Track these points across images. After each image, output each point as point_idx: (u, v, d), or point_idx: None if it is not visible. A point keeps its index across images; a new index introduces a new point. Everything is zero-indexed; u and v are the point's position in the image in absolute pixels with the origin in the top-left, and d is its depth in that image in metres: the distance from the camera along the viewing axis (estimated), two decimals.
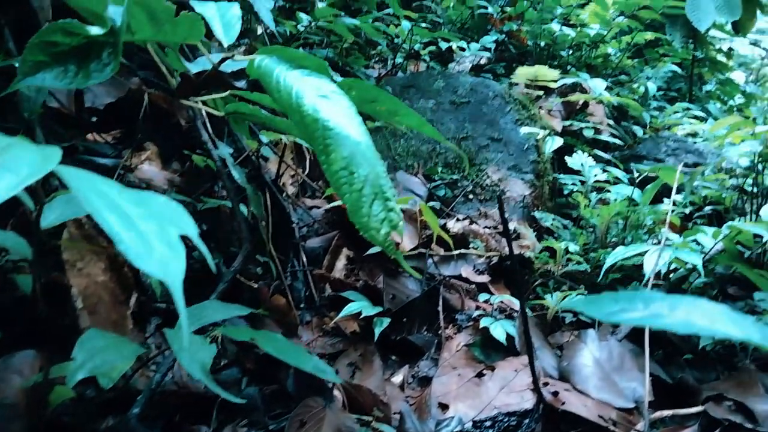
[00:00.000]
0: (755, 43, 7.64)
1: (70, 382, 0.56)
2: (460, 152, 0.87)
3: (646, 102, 3.90)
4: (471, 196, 2.00)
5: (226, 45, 0.81)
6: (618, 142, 2.58)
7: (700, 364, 1.50)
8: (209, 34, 0.87)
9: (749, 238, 1.52)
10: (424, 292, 1.47)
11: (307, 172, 1.75)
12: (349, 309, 1.29)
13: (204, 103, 0.99)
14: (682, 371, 1.47)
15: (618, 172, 2.09)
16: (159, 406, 0.99)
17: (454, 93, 2.27)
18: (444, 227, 1.81)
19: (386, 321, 1.30)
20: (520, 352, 1.29)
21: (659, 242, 1.83)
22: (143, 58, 1.35)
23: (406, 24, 2.61)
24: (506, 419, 1.09)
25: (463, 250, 1.60)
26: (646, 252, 1.38)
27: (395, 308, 1.41)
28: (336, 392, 1.07)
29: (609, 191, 2.03)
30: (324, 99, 0.66)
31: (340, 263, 1.54)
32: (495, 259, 1.65)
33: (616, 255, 1.38)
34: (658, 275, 1.62)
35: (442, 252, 1.67)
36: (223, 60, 0.83)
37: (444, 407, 1.13)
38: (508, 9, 3.22)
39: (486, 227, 1.84)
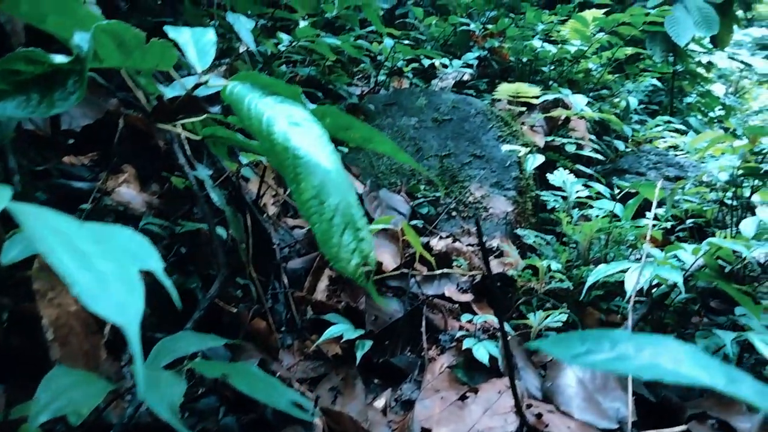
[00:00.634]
0: (733, 57, 7.80)
1: (32, 425, 0.54)
2: (435, 179, 0.86)
3: (628, 116, 3.95)
4: (454, 214, 1.99)
5: (199, 71, 0.80)
6: (599, 157, 2.60)
7: None
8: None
9: (729, 253, 1.53)
10: (406, 312, 1.46)
11: (288, 191, 1.74)
12: (330, 332, 1.27)
13: (183, 126, 0.98)
14: (665, 389, 1.47)
15: (600, 187, 2.10)
16: None
17: (437, 110, 2.27)
18: (427, 245, 1.80)
19: (368, 344, 1.28)
20: (504, 373, 1.28)
21: (641, 258, 1.84)
22: (122, 78, 1.35)
23: (388, 41, 2.62)
24: None
25: (446, 270, 1.59)
26: (627, 269, 1.38)
27: (378, 330, 1.39)
28: (317, 420, 1.05)
29: (591, 207, 2.04)
30: (295, 126, 0.65)
31: (322, 284, 1.53)
32: (478, 277, 1.65)
33: (598, 273, 1.38)
34: (640, 292, 1.62)
35: (425, 271, 1.66)
36: (196, 86, 0.82)
37: None
38: (490, 26, 3.25)
39: (469, 245, 1.84)
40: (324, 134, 0.66)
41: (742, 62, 8.47)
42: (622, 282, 1.44)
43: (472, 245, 1.86)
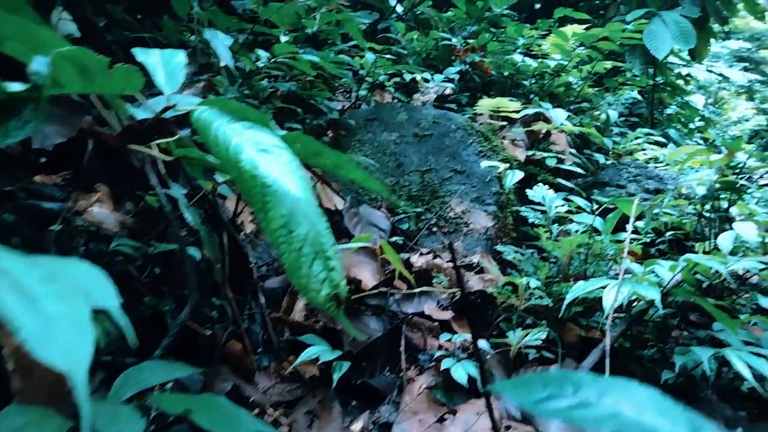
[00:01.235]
0: (710, 70, 7.95)
1: None
2: (397, 200, 0.85)
3: (608, 128, 4.00)
4: (435, 229, 1.99)
5: (167, 94, 0.79)
6: (579, 170, 2.62)
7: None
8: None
9: (707, 268, 1.55)
10: (386, 331, 1.44)
11: None
12: (306, 354, 1.25)
13: (158, 145, 0.96)
14: None
15: (580, 201, 2.11)
16: None
17: (417, 126, 2.27)
18: (407, 262, 1.79)
19: (345, 365, 1.26)
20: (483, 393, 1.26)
21: (620, 273, 1.85)
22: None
23: (370, 56, 2.62)
24: None
25: (426, 288, 1.58)
26: (606, 286, 1.39)
27: (356, 350, 1.37)
28: None
29: (572, 221, 2.05)
30: (264, 153, 0.64)
31: (300, 303, 1.51)
32: (459, 295, 1.64)
33: (576, 290, 1.38)
34: (620, 308, 1.62)
35: (405, 288, 1.65)
36: (165, 109, 0.81)
37: None
38: (471, 41, 3.27)
39: (450, 261, 1.83)
40: (293, 161, 0.65)
41: (719, 74, 8.64)
42: (602, 298, 1.45)
43: (452, 261, 1.85)
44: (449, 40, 3.28)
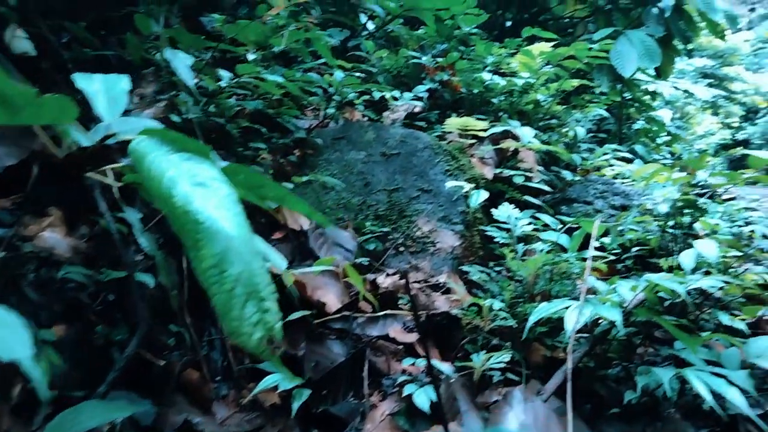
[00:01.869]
0: (676, 87, 8.17)
1: None
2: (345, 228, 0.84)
3: (576, 144, 4.06)
4: (402, 249, 1.98)
5: (107, 122, 0.76)
6: (546, 188, 2.65)
7: (627, 416, 1.50)
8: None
9: (668, 288, 1.56)
10: (349, 356, 1.42)
11: None
12: (265, 383, 1.22)
13: (113, 169, 0.93)
14: (609, 426, 1.47)
15: (547, 218, 2.12)
16: None
17: (385, 145, 2.27)
18: (374, 283, 1.77)
19: (306, 393, 1.23)
20: (447, 418, 1.25)
21: (584, 293, 1.86)
22: None
23: (339, 74, 2.62)
24: None
25: (390, 311, 1.56)
26: (568, 307, 1.39)
27: (318, 376, 1.34)
28: None
29: (538, 239, 2.06)
30: (200, 187, 0.62)
31: None
32: (424, 317, 1.62)
33: (539, 312, 1.37)
34: (585, 327, 1.63)
35: (370, 310, 1.63)
36: (106, 138, 0.78)
37: None
38: (440, 59, 3.30)
39: (416, 282, 1.82)
40: (231, 195, 0.63)
41: (685, 90, 8.89)
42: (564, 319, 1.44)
43: (419, 282, 1.84)
44: (419, 58, 3.30)
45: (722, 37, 5.41)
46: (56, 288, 1.29)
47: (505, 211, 1.83)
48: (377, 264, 1.89)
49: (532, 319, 1.36)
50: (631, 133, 6.38)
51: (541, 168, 2.91)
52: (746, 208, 4.31)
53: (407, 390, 1.25)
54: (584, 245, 1.99)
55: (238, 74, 1.81)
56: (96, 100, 0.77)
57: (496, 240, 1.97)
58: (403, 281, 1.79)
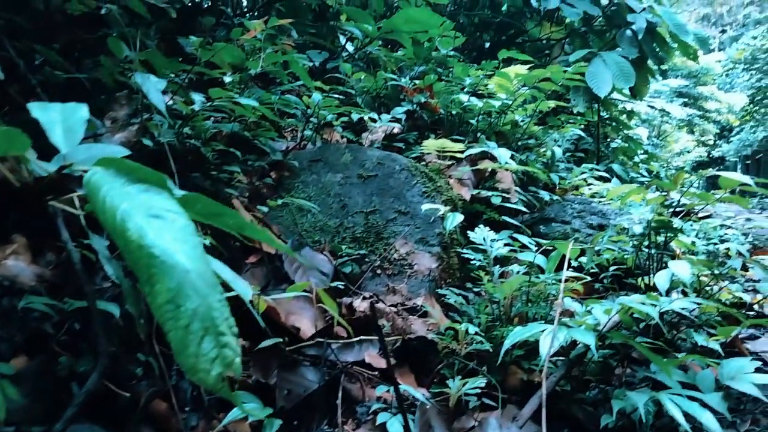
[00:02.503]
0: (652, 106, 8.36)
1: None
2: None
3: (554, 164, 4.11)
4: (379, 271, 1.96)
5: (64, 152, 0.74)
6: (523, 209, 2.66)
7: None
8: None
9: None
10: (323, 383, 1.39)
11: None
12: (235, 413, 1.19)
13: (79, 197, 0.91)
14: None
15: (524, 239, 2.13)
16: None
17: (362, 167, 2.27)
18: (350, 306, 1.75)
19: (276, 423, 1.20)
20: None
21: (561, 315, 1.86)
22: None
23: (316, 96, 2.62)
24: None
25: (365, 336, 1.54)
26: (543, 331, 1.38)
27: (290, 405, 1.32)
28: None
29: (515, 260, 2.06)
30: (155, 219, 0.60)
31: None
32: (400, 342, 1.61)
33: (514, 336, 1.37)
34: (562, 348, 1.62)
35: (345, 335, 1.60)
36: (62, 168, 0.76)
37: None
38: (418, 81, 3.33)
39: (393, 305, 1.81)
40: (188, 227, 0.61)
41: (660, 110, 9.10)
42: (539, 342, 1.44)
43: (396, 305, 1.82)
44: (397, 80, 3.32)
45: (694, 59, 5.56)
46: (18, 318, 1.25)
47: (481, 234, 1.83)
48: (353, 287, 1.88)
49: (507, 344, 1.35)
50: (608, 152, 6.49)
51: (518, 188, 2.93)
52: (722, 226, 4.38)
53: (381, 418, 1.23)
54: (561, 266, 1.99)
55: (212, 97, 1.80)
56: (52, 129, 0.76)
57: (473, 261, 1.96)
58: (380, 305, 1.77)
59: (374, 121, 2.96)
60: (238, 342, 0.59)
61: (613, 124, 6.86)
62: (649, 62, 5.44)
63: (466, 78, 3.51)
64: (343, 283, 1.81)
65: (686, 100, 17.45)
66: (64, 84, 2.10)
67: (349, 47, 4.03)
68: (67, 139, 0.75)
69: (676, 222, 2.30)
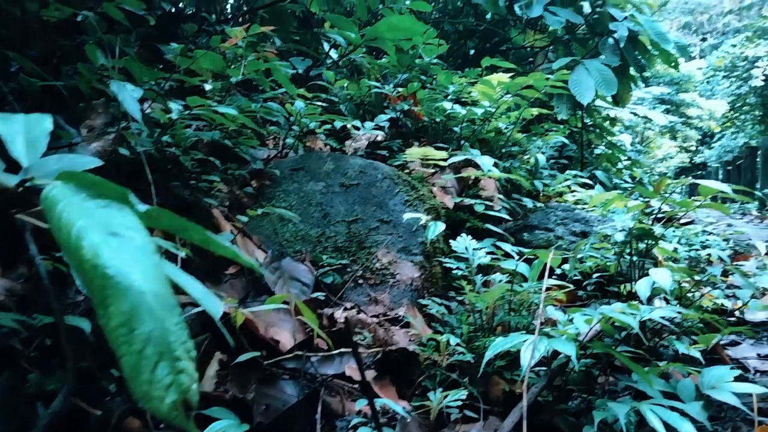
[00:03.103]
0: (634, 113, 8.45)
1: None
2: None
3: (538, 171, 4.12)
4: (361, 281, 1.94)
5: (25, 165, 0.72)
6: (506, 216, 2.66)
7: None
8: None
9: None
10: (302, 398, 1.37)
11: (179, 266, 1.62)
12: (211, 430, 1.16)
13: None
14: None
15: (507, 247, 2.12)
16: None
17: (344, 175, 2.25)
18: (331, 317, 1.73)
19: None
20: None
21: (544, 324, 1.85)
22: None
23: (299, 104, 2.60)
24: None
25: (345, 349, 1.52)
26: (525, 341, 1.37)
27: (269, 420, 1.29)
28: None
29: (498, 269, 2.05)
30: (113, 237, 0.58)
31: (211, 370, 1.41)
32: (382, 354, 1.59)
33: (495, 347, 1.35)
34: (544, 359, 1.61)
35: (326, 347, 1.58)
36: (22, 182, 0.74)
37: None
38: (401, 89, 3.32)
39: (374, 316, 1.79)
40: (147, 245, 0.59)
41: (643, 116, 9.21)
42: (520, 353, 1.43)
43: (378, 315, 1.81)
44: (381, 87, 3.32)
45: (675, 67, 5.63)
46: None
47: (462, 243, 1.82)
48: (335, 298, 1.85)
49: (488, 355, 1.34)
50: (592, 158, 6.54)
51: (501, 196, 2.93)
52: (703, 231, 4.42)
53: None
54: (545, 274, 1.99)
55: (190, 106, 1.77)
56: (12, 142, 0.73)
57: (455, 270, 1.95)
58: (361, 315, 1.75)
59: (357, 128, 2.95)
60: (196, 367, 0.57)
61: (597, 130, 6.92)
62: (631, 70, 5.50)
63: (450, 85, 3.51)
64: (324, 293, 1.79)
65: (668, 106, 17.70)
66: (40, 92, 2.06)
67: (333, 54, 4.02)
68: (29, 152, 0.73)
69: (657, 229, 2.31)
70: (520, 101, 3.36)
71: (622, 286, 2.44)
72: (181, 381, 0.53)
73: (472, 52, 6.07)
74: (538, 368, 1.62)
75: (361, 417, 1.33)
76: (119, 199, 0.65)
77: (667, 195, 2.32)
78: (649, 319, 1.64)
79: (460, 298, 1.96)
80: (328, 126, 2.96)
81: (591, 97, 4.87)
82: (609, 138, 6.95)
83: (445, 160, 2.65)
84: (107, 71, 2.01)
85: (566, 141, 4.77)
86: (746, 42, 16.38)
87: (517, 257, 1.94)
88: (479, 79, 3.24)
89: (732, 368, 1.62)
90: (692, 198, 2.24)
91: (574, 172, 4.57)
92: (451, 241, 1.85)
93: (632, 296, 2.21)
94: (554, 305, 1.96)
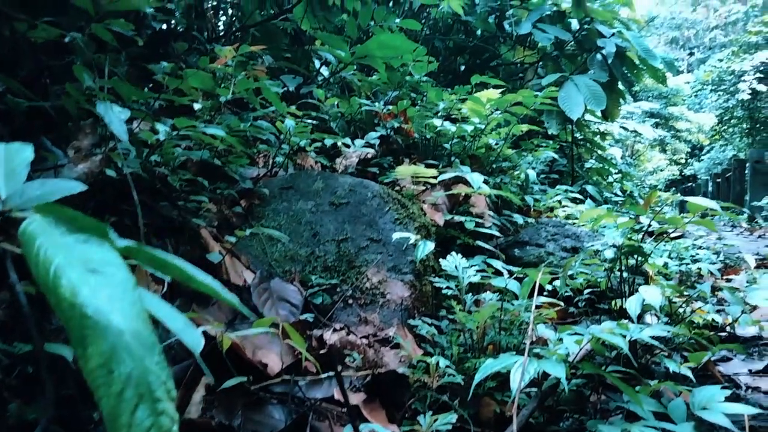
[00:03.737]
0: (624, 127, 8.53)
1: None
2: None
3: (529, 186, 4.14)
4: (351, 301, 1.93)
5: (4, 196, 0.71)
6: (496, 233, 2.66)
7: None
8: None
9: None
10: (290, 423, 1.35)
11: (165, 290, 1.61)
12: None
13: None
14: None
15: (498, 264, 2.12)
16: None
17: (334, 194, 2.25)
18: (320, 338, 1.72)
19: None
20: None
21: (533, 342, 1.84)
22: None
23: (289, 122, 2.60)
24: None
25: (332, 372, 1.50)
26: (514, 363, 1.36)
27: None
28: None
29: (488, 287, 2.04)
30: (92, 274, 0.57)
31: (198, 395, 1.39)
32: (371, 377, 1.57)
33: (485, 369, 1.34)
34: (535, 379, 1.60)
35: (315, 370, 1.56)
36: (2, 213, 0.73)
37: None
38: (391, 107, 3.34)
39: (364, 336, 1.77)
40: (127, 281, 0.58)
41: (633, 131, 9.30)
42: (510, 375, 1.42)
43: (369, 336, 1.79)
44: (371, 105, 3.33)
45: (663, 82, 5.70)
46: None
47: (452, 262, 1.81)
48: (324, 319, 1.84)
49: (477, 377, 1.33)
50: (583, 172, 6.59)
51: (492, 212, 2.94)
52: (693, 245, 4.44)
53: None
54: (535, 291, 1.98)
55: (177, 127, 1.77)
56: None
57: (445, 290, 1.94)
58: (350, 337, 1.74)
59: (348, 146, 2.96)
60: (176, 407, 0.56)
61: (587, 145, 6.98)
62: (620, 85, 5.56)
63: (440, 102, 3.53)
64: (313, 314, 1.78)
65: (658, 120, 17.91)
66: (28, 112, 2.05)
67: (324, 71, 4.04)
68: (8, 183, 0.72)
69: (647, 245, 2.32)
70: (509, 117, 3.38)
71: (613, 302, 2.45)
72: (162, 423, 0.52)
73: (462, 68, 6.12)
74: (529, 389, 1.61)
75: None
76: (98, 234, 0.64)
77: (657, 209, 2.33)
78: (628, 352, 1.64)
79: (451, 317, 1.95)
80: (319, 144, 2.96)
81: (580, 112, 4.92)
82: (599, 152, 7.00)
83: (434, 177, 2.65)
84: (96, 91, 2.00)
85: (556, 156, 4.80)
86: (732, 56, 16.65)
87: (507, 275, 1.94)
88: (469, 96, 3.26)
89: (723, 387, 1.62)
90: (682, 213, 2.25)
91: (564, 187, 4.59)
92: (441, 260, 1.85)
93: (623, 312, 2.21)
94: (545, 323, 1.95)
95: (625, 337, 1.37)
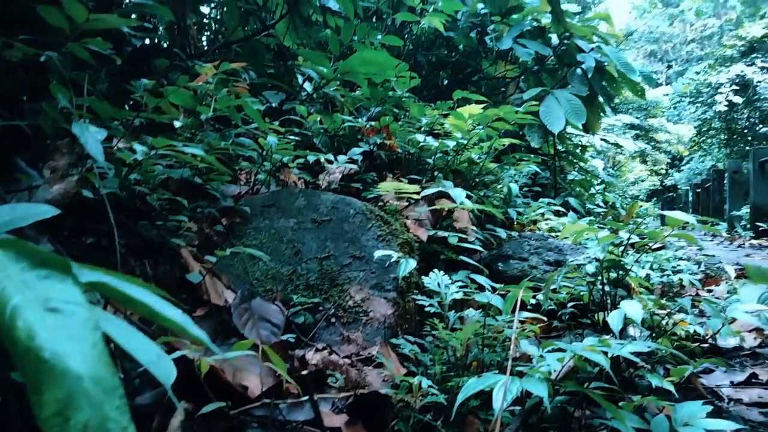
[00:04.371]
0: (604, 139, 8.64)
1: None
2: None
3: (512, 200, 4.16)
4: (333, 320, 1.91)
5: None
6: (479, 248, 2.66)
7: None
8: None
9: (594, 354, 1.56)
10: None
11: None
12: None
13: None
14: None
15: (481, 279, 2.11)
16: None
17: (316, 211, 2.23)
18: (302, 359, 1.69)
19: None
20: None
21: (517, 359, 1.84)
22: None
23: (271, 139, 2.59)
24: None
25: (317, 396, 1.48)
26: (497, 382, 1.35)
27: None
28: None
29: (472, 304, 2.04)
30: (52, 314, 0.55)
31: (176, 421, 1.36)
32: (354, 398, 1.55)
33: (467, 389, 1.33)
34: (519, 397, 1.59)
35: (296, 392, 1.54)
36: None
37: None
38: (374, 123, 3.34)
39: (347, 356, 1.75)
40: (88, 321, 0.56)
41: (613, 143, 9.42)
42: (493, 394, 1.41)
43: (350, 356, 1.77)
44: (353, 122, 3.33)
45: (641, 95, 5.79)
46: None
47: (434, 279, 1.80)
48: (306, 339, 1.82)
49: (460, 398, 1.32)
50: (565, 185, 6.64)
51: (475, 227, 2.94)
52: (674, 257, 4.49)
53: None
54: (522, 304, 1.98)
55: (156, 146, 1.75)
56: None
57: (428, 308, 1.93)
58: (333, 356, 1.72)
59: (330, 162, 2.95)
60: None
61: (569, 157, 7.06)
62: (600, 99, 5.64)
63: (423, 118, 3.55)
64: (294, 334, 1.75)
65: (638, 132, 18.19)
66: (3, 131, 2.02)
67: (308, 87, 4.04)
68: None
69: (628, 259, 2.34)
70: (491, 132, 3.40)
71: (596, 316, 2.45)
72: None
73: (445, 82, 6.17)
74: (513, 407, 1.60)
75: None
76: (61, 269, 0.62)
77: (639, 220, 2.35)
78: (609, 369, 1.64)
79: (435, 333, 1.94)
80: (302, 160, 2.95)
81: (561, 126, 4.98)
82: (581, 164, 7.07)
83: (417, 193, 2.65)
84: (73, 110, 1.98)
85: (539, 169, 4.84)
86: (709, 69, 17.00)
87: (490, 290, 1.93)
88: (451, 112, 3.28)
89: (706, 401, 1.63)
90: (663, 224, 2.27)
91: (547, 200, 4.63)
92: (423, 277, 1.84)
93: (607, 325, 2.22)
94: (528, 338, 1.95)
95: (606, 354, 1.37)
